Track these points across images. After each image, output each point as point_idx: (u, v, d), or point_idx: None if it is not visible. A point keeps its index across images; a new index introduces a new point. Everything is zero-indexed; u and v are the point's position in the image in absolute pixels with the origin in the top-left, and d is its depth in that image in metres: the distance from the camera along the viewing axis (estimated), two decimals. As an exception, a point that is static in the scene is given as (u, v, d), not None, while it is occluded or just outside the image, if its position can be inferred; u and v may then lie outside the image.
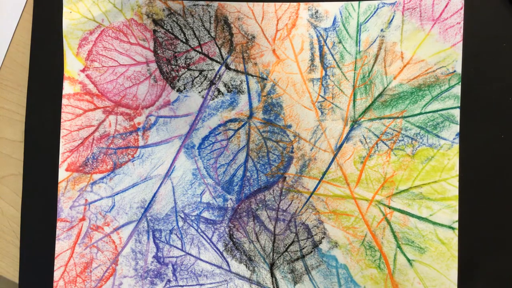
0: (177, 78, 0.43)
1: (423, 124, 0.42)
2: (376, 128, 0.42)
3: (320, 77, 0.42)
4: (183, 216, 0.43)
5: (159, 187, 0.43)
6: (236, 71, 0.43)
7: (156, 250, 0.43)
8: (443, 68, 0.41)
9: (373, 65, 0.42)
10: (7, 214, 0.45)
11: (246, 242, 0.43)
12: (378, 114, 0.42)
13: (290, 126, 0.43)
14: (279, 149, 0.43)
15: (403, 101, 0.42)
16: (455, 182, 0.41)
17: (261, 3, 0.43)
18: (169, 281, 0.43)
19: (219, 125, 0.43)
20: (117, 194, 0.44)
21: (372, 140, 0.42)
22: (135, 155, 0.44)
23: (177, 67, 0.43)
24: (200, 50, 0.43)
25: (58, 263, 0.43)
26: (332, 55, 0.42)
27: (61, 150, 0.44)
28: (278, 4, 0.43)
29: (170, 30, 0.44)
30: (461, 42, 0.41)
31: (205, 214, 0.43)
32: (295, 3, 0.43)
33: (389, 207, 0.42)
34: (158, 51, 0.44)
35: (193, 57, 0.43)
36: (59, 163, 0.43)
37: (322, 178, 0.42)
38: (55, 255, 0.43)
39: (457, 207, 0.41)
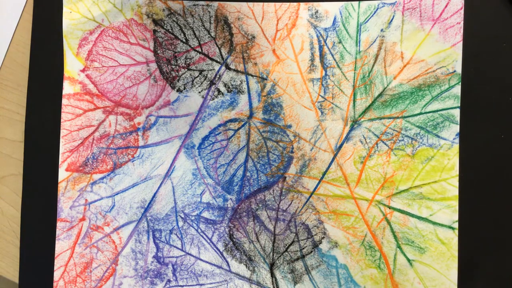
0: (177, 78, 0.43)
1: (423, 124, 0.42)
2: (376, 128, 0.42)
3: (320, 77, 0.42)
4: (183, 216, 0.43)
5: (159, 187, 0.43)
6: (236, 71, 0.43)
7: (156, 250, 0.43)
8: (443, 68, 0.41)
9: (373, 65, 0.42)
10: (7, 214, 0.45)
11: (246, 242, 0.43)
12: (378, 114, 0.42)
13: (290, 126, 0.43)
14: (279, 149, 0.43)
15: (403, 101, 0.42)
16: (455, 182, 0.41)
17: (261, 3, 0.43)
18: (169, 281, 0.43)
19: (219, 125, 0.43)
20: (117, 194, 0.44)
21: (372, 140, 0.42)
22: (135, 155, 0.44)
23: (177, 67, 0.43)
24: (200, 50, 0.43)
25: (58, 263, 0.43)
26: (332, 55, 0.42)
27: (61, 150, 0.44)
28: (278, 4, 0.43)
29: (170, 30, 0.44)
30: (461, 42, 0.41)
31: (205, 214, 0.43)
32: (295, 3, 0.43)
33: (389, 207, 0.42)
34: (158, 51, 0.44)
35: (193, 57, 0.43)
36: (59, 163, 0.43)
37: (322, 178, 0.42)
38: (55, 255, 0.43)
39: (457, 207, 0.41)
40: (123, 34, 0.44)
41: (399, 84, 0.42)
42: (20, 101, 0.45)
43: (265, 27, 0.43)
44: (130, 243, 0.43)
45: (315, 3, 0.42)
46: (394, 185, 0.42)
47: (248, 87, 0.43)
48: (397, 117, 0.42)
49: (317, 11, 0.43)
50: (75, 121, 0.44)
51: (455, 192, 0.41)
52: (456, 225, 0.41)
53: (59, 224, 0.43)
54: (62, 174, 0.43)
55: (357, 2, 0.42)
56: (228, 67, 0.43)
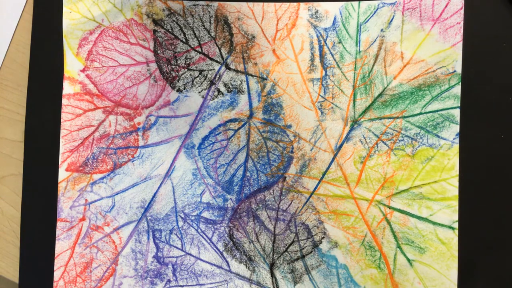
0: (177, 78, 0.43)
1: (423, 124, 0.42)
2: (376, 128, 0.42)
3: (320, 77, 0.42)
4: (183, 216, 0.43)
5: (159, 187, 0.43)
6: (236, 71, 0.43)
7: (156, 250, 0.43)
8: (443, 68, 0.41)
9: (373, 65, 0.42)
10: (7, 214, 0.45)
11: (246, 242, 0.43)
12: (378, 114, 0.42)
13: (290, 126, 0.43)
14: (279, 149, 0.43)
15: (403, 101, 0.42)
16: (455, 182, 0.41)
17: (261, 3, 0.43)
18: (169, 281, 0.43)
19: (219, 125, 0.43)
20: (117, 194, 0.44)
21: (372, 140, 0.42)
22: (135, 155, 0.44)
23: (177, 67, 0.43)
24: (200, 50, 0.43)
25: (58, 263, 0.43)
26: (332, 55, 0.42)
27: (61, 150, 0.44)
28: (278, 4, 0.43)
29: (170, 30, 0.44)
30: (461, 42, 0.41)
31: (205, 214, 0.43)
32: (295, 3, 0.43)
33: (389, 207, 0.42)
34: (158, 51, 0.44)
35: (193, 57, 0.43)
36: (59, 163, 0.43)
37: (322, 178, 0.42)
38: (55, 255, 0.43)
39: (457, 207, 0.41)
40: (123, 34, 0.44)
41: (399, 84, 0.42)
42: (20, 101, 0.45)
43: (265, 27, 0.43)
44: (130, 243, 0.43)
45: (315, 3, 0.42)
46: (394, 185, 0.42)
47: (248, 87, 0.43)
48: (397, 117, 0.42)
49: (317, 11, 0.43)
50: (75, 121, 0.44)
51: (455, 192, 0.41)
52: (456, 225, 0.41)
53: (59, 224, 0.43)
54: (62, 174, 0.43)
55: (357, 2, 0.42)
56: (228, 67, 0.43)
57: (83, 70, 0.44)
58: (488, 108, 0.41)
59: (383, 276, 0.41)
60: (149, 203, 0.43)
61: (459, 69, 0.41)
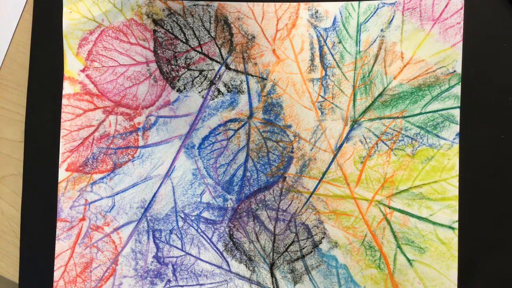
0: (177, 78, 0.43)
1: (423, 124, 0.42)
2: (376, 128, 0.42)
3: (320, 77, 0.42)
4: (183, 216, 0.43)
5: (159, 187, 0.43)
6: (236, 71, 0.43)
7: (156, 250, 0.43)
8: (443, 68, 0.41)
9: (373, 65, 0.42)
10: (7, 214, 0.45)
11: (246, 242, 0.43)
12: (378, 114, 0.42)
13: (290, 126, 0.43)
14: (279, 149, 0.43)
15: (403, 101, 0.42)
16: (455, 182, 0.41)
17: (261, 3, 0.43)
18: (169, 281, 0.43)
19: (219, 125, 0.43)
20: (117, 194, 0.44)
21: (372, 140, 0.42)
22: (135, 155, 0.44)
23: (177, 67, 0.43)
24: (200, 50, 0.43)
25: (58, 263, 0.43)
26: (332, 55, 0.42)
27: (61, 150, 0.44)
28: (278, 4, 0.43)
29: (170, 30, 0.44)
30: (461, 42, 0.41)
31: (205, 214, 0.43)
32: (295, 3, 0.43)
33: (389, 207, 0.42)
34: (158, 51, 0.44)
35: (193, 57, 0.43)
36: (59, 163, 0.43)
37: (322, 178, 0.42)
38: (55, 255, 0.43)
39: (457, 207, 0.41)
40: (123, 34, 0.44)
41: (399, 84, 0.42)
42: (20, 101, 0.45)
43: (265, 27, 0.43)
44: (130, 243, 0.43)
45: (315, 3, 0.42)
46: (394, 185, 0.42)
47: (248, 87, 0.43)
48: (397, 117, 0.42)
49: (317, 11, 0.43)
50: (75, 121, 0.44)
51: (455, 192, 0.41)
52: (456, 225, 0.41)
53: (59, 224, 0.43)
54: (62, 174, 0.43)
55: (357, 2, 0.42)
56: (228, 67, 0.43)
57: (83, 70, 0.44)
58: (488, 108, 0.41)
59: (383, 276, 0.41)
60: (149, 203, 0.43)
61: (459, 69, 0.41)
